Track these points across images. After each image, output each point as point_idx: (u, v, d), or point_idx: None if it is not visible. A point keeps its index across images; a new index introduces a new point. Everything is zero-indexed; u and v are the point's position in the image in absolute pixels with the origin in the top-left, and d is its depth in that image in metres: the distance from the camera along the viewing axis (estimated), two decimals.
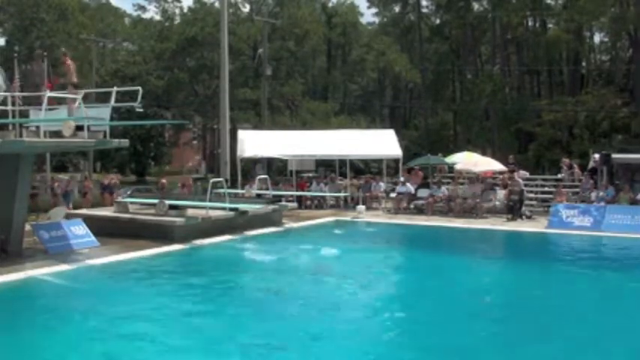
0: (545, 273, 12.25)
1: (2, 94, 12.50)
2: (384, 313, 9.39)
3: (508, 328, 8.45)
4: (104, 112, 13.52)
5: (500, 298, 10.58)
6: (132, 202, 17.21)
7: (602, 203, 18.27)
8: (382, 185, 23.14)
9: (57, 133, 12.61)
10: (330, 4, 47.77)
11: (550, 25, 39.85)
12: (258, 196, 19.60)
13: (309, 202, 22.60)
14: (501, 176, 21.76)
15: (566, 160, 23.32)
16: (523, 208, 19.90)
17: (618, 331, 8.17)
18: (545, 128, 32.91)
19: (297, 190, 22.89)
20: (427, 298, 10.16)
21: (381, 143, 24.47)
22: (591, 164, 21.59)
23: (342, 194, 22.78)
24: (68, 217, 15.34)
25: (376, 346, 7.74)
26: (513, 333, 8.20)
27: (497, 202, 20.57)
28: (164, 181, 22.74)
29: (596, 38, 40.95)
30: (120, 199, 17.89)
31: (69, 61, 13.32)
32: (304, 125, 32.21)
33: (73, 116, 12.81)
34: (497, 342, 7.89)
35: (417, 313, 9.35)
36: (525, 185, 21.12)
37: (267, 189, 19.76)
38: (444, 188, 21.16)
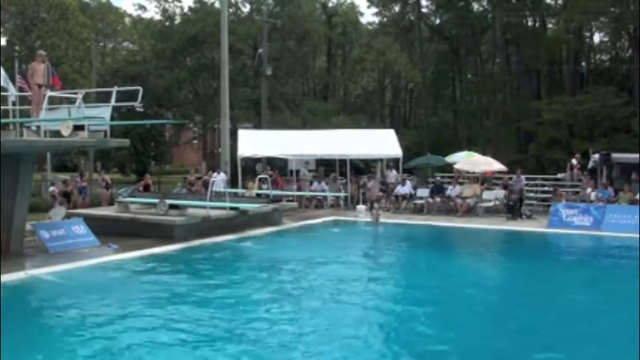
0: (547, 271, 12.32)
1: (4, 93, 12.55)
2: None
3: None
4: (105, 111, 13.58)
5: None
6: (133, 202, 17.24)
7: (601, 203, 18.30)
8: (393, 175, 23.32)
9: (57, 133, 12.66)
10: (330, 4, 47.74)
11: (550, 25, 39.82)
12: (258, 195, 19.64)
13: (307, 202, 22.64)
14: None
15: (574, 161, 22.71)
16: (523, 208, 19.94)
17: None
18: (546, 128, 32.90)
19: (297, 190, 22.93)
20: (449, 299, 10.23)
21: (381, 143, 24.50)
22: (591, 164, 21.62)
23: (341, 194, 22.79)
24: (69, 216, 15.39)
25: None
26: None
27: (497, 202, 20.62)
28: (149, 182, 22.08)
29: (596, 38, 40.96)
30: (120, 198, 17.92)
31: (42, 64, 13.09)
32: (304, 125, 32.17)
33: (50, 117, 12.83)
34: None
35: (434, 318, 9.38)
36: (525, 184, 21.20)
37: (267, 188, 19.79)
38: (459, 187, 21.17)
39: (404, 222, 19.07)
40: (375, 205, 19.50)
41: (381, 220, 19.02)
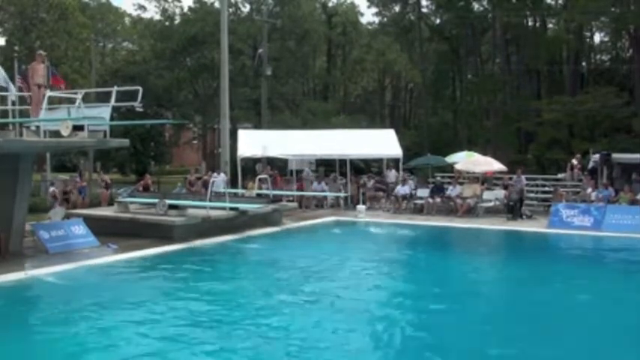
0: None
1: (4, 93, 12.53)
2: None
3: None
4: (104, 111, 13.57)
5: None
6: (132, 202, 17.22)
7: (602, 203, 18.27)
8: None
9: (57, 133, 12.64)
10: (330, 4, 47.75)
11: (550, 25, 39.81)
12: (258, 195, 19.60)
13: (308, 202, 22.58)
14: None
15: (574, 161, 22.55)
16: (523, 208, 19.91)
17: None
18: (546, 128, 32.89)
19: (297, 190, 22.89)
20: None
21: (382, 143, 24.48)
22: (591, 164, 21.59)
23: (341, 194, 22.75)
24: (68, 216, 15.36)
25: None
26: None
27: (497, 202, 20.59)
28: (149, 182, 21.96)
29: (596, 38, 40.97)
30: (120, 198, 17.90)
31: (42, 65, 13.05)
32: (304, 125, 32.14)
33: (49, 117, 12.80)
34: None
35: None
36: (525, 185, 21.17)
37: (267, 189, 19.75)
38: (459, 188, 21.14)
39: (404, 222, 19.04)
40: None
41: (382, 220, 18.99)
